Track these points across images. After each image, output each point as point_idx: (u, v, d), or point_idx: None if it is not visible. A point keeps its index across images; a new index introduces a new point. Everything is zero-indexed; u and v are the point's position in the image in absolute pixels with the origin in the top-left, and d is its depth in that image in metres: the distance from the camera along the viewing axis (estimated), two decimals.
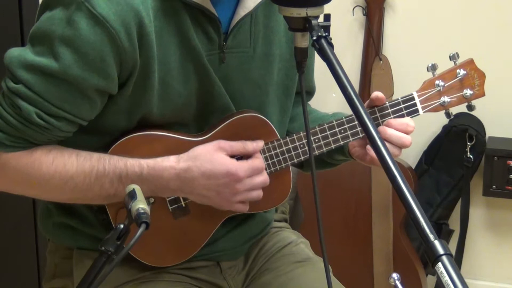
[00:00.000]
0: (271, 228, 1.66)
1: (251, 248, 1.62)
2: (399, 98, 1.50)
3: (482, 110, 2.52)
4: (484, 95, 1.54)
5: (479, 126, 2.66)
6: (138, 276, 1.50)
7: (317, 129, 1.48)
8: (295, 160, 1.49)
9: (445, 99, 1.51)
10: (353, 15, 2.71)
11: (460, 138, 2.65)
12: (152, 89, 1.35)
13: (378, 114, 1.49)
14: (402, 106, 1.50)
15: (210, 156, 1.38)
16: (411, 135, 1.46)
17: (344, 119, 1.48)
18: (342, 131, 1.48)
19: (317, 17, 1.13)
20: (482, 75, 1.53)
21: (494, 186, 2.61)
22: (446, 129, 2.69)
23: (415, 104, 1.50)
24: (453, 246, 2.72)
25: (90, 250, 1.49)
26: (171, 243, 1.48)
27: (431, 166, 2.74)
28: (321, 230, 1.24)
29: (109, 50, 1.27)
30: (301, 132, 1.48)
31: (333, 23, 1.15)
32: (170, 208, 1.46)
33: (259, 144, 1.45)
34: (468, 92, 1.52)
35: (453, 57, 1.52)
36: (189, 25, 1.35)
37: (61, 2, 1.27)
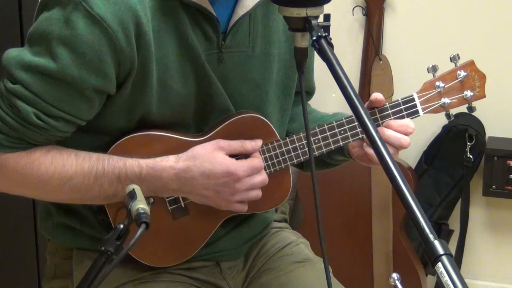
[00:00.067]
0: (271, 228, 1.66)
1: (251, 248, 1.62)
2: (399, 99, 1.50)
3: (482, 110, 2.52)
4: (484, 96, 1.54)
5: (479, 126, 2.66)
6: (138, 276, 1.50)
7: (317, 129, 1.48)
8: (295, 161, 1.49)
9: (446, 100, 1.51)
10: (353, 15, 2.71)
11: (460, 138, 2.65)
12: (150, 88, 1.35)
13: (378, 115, 1.48)
14: (402, 107, 1.49)
15: (209, 156, 1.38)
16: (411, 135, 1.46)
17: (344, 120, 1.48)
18: (342, 132, 1.48)
19: (317, 17, 1.13)
20: (482, 77, 1.53)
21: (494, 186, 2.61)
22: (446, 129, 2.69)
23: (415, 105, 1.50)
24: (453, 246, 2.72)
25: (90, 250, 1.49)
26: (171, 243, 1.48)
27: (431, 166, 2.74)
28: (321, 230, 1.24)
29: (107, 50, 1.27)
30: (301, 133, 1.48)
31: (333, 23, 1.16)
32: (169, 208, 1.46)
33: (258, 143, 1.45)
34: (468, 93, 1.52)
35: (453, 59, 1.52)
36: (187, 25, 1.35)
37: (59, 2, 1.27)
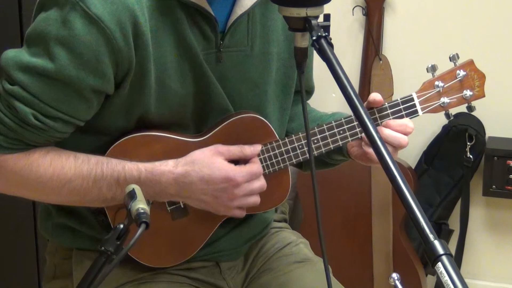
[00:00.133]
0: (270, 228, 1.66)
1: (251, 248, 1.62)
2: (399, 99, 1.50)
3: (482, 110, 2.52)
4: (484, 96, 1.53)
5: (479, 126, 2.66)
6: (137, 277, 1.50)
7: (316, 130, 1.48)
8: (294, 161, 1.49)
9: (445, 100, 1.51)
10: (353, 15, 2.71)
11: (460, 138, 2.65)
12: (149, 88, 1.35)
13: (377, 115, 1.48)
14: (401, 107, 1.49)
15: (208, 161, 1.38)
16: (411, 135, 1.46)
17: (343, 120, 1.48)
18: (341, 132, 1.48)
19: (317, 17, 1.13)
20: (482, 76, 1.53)
21: (494, 186, 2.61)
22: (446, 129, 2.69)
23: (414, 105, 1.50)
24: (453, 246, 2.72)
25: (89, 250, 1.49)
26: (170, 244, 1.48)
27: (431, 166, 2.74)
28: (321, 230, 1.24)
29: (105, 50, 1.27)
30: (300, 133, 1.48)
31: (333, 23, 1.15)
32: (168, 209, 1.46)
33: (257, 148, 1.45)
34: (468, 93, 1.52)
35: (453, 58, 1.52)
36: (185, 24, 1.35)
37: (56, 2, 1.27)
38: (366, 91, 2.64)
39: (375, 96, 1.47)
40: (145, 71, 1.33)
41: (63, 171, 1.35)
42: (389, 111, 1.49)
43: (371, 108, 1.48)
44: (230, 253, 1.57)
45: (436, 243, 0.91)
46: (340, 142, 1.48)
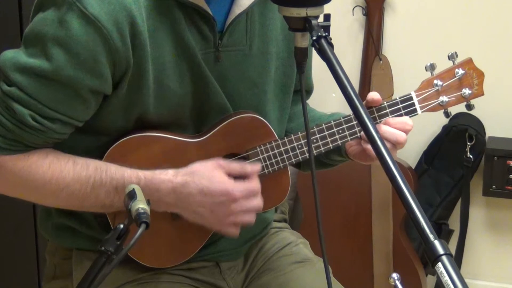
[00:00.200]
0: (270, 228, 1.66)
1: (251, 248, 1.62)
2: (397, 98, 1.50)
3: (482, 110, 2.53)
4: (483, 94, 1.53)
5: (479, 126, 2.66)
6: (137, 277, 1.50)
7: (315, 129, 1.48)
8: (293, 160, 1.48)
9: (444, 98, 1.51)
10: (353, 15, 2.71)
11: (460, 138, 2.64)
12: (147, 88, 1.34)
13: (376, 114, 1.48)
14: (400, 106, 1.49)
15: (208, 173, 1.38)
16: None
17: (342, 120, 1.48)
18: (340, 131, 1.48)
19: (317, 17, 1.13)
20: (480, 74, 1.53)
21: (494, 186, 2.61)
22: (446, 129, 2.69)
23: (413, 104, 1.50)
24: (453, 246, 2.72)
25: (89, 251, 1.49)
26: (170, 244, 1.48)
27: (431, 166, 2.74)
28: (321, 230, 1.24)
29: (102, 50, 1.27)
30: (299, 133, 1.48)
31: (333, 23, 1.16)
32: None
33: (257, 167, 1.44)
34: (466, 91, 1.52)
35: (451, 57, 1.51)
36: (183, 24, 1.35)
37: (53, 3, 1.27)
38: (366, 91, 2.64)
39: (373, 95, 1.47)
40: (143, 71, 1.33)
41: (61, 175, 1.35)
42: (388, 110, 1.49)
43: (370, 107, 1.48)
44: (230, 253, 1.57)
45: (436, 243, 0.91)
46: (339, 142, 1.48)
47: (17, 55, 1.30)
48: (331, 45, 1.09)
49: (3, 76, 1.30)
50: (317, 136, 1.48)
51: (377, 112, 1.48)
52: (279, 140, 1.47)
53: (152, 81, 1.34)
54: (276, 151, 1.47)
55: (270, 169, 1.47)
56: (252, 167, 1.43)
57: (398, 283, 1.05)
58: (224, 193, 1.38)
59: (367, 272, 2.68)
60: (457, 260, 2.71)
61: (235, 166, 1.42)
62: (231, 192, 1.38)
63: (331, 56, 1.07)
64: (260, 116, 1.47)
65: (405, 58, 2.68)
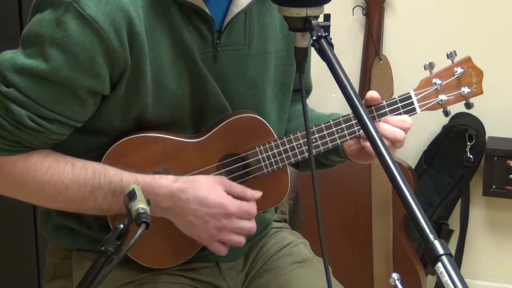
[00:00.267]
0: (270, 228, 1.66)
1: (251, 248, 1.61)
2: (396, 97, 1.50)
3: (482, 110, 2.54)
4: (482, 93, 1.53)
5: (479, 126, 2.66)
6: (137, 277, 1.50)
7: (314, 129, 1.48)
8: (292, 160, 1.48)
9: (443, 97, 1.51)
10: (353, 15, 2.71)
11: (460, 138, 2.64)
12: (145, 88, 1.35)
13: (375, 113, 1.48)
14: (399, 105, 1.49)
15: (208, 185, 1.39)
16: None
17: (341, 119, 1.48)
18: (339, 130, 1.48)
19: (317, 17, 1.13)
20: (479, 73, 1.53)
21: (494, 186, 2.61)
22: (446, 129, 2.69)
23: (412, 103, 1.50)
24: (453, 246, 2.72)
25: (89, 251, 1.49)
26: (170, 244, 1.48)
27: (431, 166, 2.73)
28: (321, 230, 1.24)
29: (99, 51, 1.27)
30: (298, 132, 1.48)
31: (333, 23, 1.15)
32: None
33: (258, 194, 1.45)
34: (465, 90, 1.52)
35: (450, 55, 1.51)
36: (181, 24, 1.35)
37: (51, 4, 1.27)
38: (366, 91, 2.59)
39: (372, 93, 1.47)
40: (141, 71, 1.33)
41: (60, 178, 1.35)
42: (387, 109, 1.49)
43: (369, 106, 1.48)
44: (230, 253, 1.56)
45: (436, 243, 0.91)
46: (339, 141, 1.48)
47: (15, 56, 1.30)
48: (331, 45, 1.09)
49: (1, 77, 1.30)
50: (316, 135, 1.48)
51: (376, 111, 1.48)
52: (278, 140, 1.47)
53: (150, 81, 1.34)
54: (275, 151, 1.47)
55: (269, 168, 1.47)
56: (253, 193, 1.44)
57: (398, 283, 1.05)
58: (219, 205, 1.38)
59: (367, 272, 2.68)
60: (457, 260, 2.71)
61: (237, 187, 1.43)
62: (226, 206, 1.39)
63: (331, 56, 1.07)
64: (260, 116, 1.47)
65: (405, 58, 2.68)
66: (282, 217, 1.74)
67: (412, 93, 1.50)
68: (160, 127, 1.41)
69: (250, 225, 1.43)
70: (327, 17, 1.17)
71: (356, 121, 1.47)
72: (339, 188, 2.64)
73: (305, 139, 1.47)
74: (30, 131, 1.31)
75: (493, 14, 2.64)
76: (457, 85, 1.52)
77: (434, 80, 1.50)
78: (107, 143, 1.39)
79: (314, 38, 1.09)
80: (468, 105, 1.53)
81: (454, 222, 2.75)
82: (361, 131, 1.46)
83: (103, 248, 1.04)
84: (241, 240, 1.43)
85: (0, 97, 1.30)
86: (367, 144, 1.43)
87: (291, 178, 1.53)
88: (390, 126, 1.44)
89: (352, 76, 2.61)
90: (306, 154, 1.48)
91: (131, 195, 1.08)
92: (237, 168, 1.47)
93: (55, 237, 1.54)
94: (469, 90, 1.52)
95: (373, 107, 1.48)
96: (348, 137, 1.48)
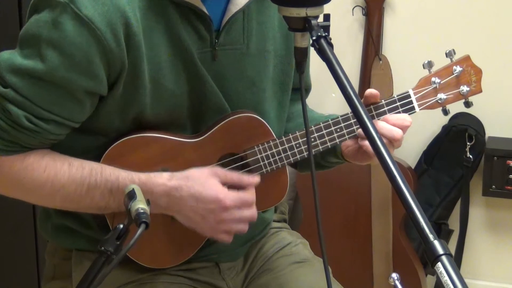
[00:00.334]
0: (270, 228, 1.66)
1: (250, 248, 1.61)
2: (395, 95, 1.50)
3: (482, 110, 2.54)
4: (481, 91, 1.53)
5: (478, 126, 2.66)
6: (137, 278, 1.50)
7: (313, 128, 1.48)
8: (291, 159, 1.48)
9: (442, 96, 1.51)
10: (353, 15, 2.71)
11: (460, 138, 2.64)
12: (143, 88, 1.34)
13: (374, 112, 1.48)
14: (398, 103, 1.49)
15: (203, 180, 1.38)
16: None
17: (340, 118, 1.48)
18: (338, 130, 1.48)
19: (316, 17, 1.13)
20: (478, 72, 1.53)
21: (493, 186, 2.61)
22: (445, 129, 2.69)
23: (411, 102, 1.50)
24: (452, 246, 2.72)
25: (89, 251, 1.49)
26: (169, 244, 1.48)
27: (430, 166, 2.73)
28: (321, 230, 1.24)
29: (96, 51, 1.27)
30: (297, 132, 1.48)
31: (332, 23, 1.15)
32: None
33: (255, 179, 1.44)
34: (464, 88, 1.52)
35: (449, 54, 1.51)
36: (179, 24, 1.35)
37: (48, 4, 1.27)
38: None
39: (371, 91, 1.47)
40: (139, 72, 1.33)
41: (56, 177, 1.35)
42: (386, 108, 1.49)
43: (368, 105, 1.48)
44: (229, 253, 1.57)
45: (436, 243, 0.90)
46: (338, 140, 1.48)
47: (12, 56, 1.30)
48: (330, 45, 1.09)
49: None
50: (315, 135, 1.48)
51: (375, 110, 1.48)
52: (277, 139, 1.47)
53: (148, 81, 1.34)
54: (274, 150, 1.47)
55: (268, 168, 1.47)
56: (249, 178, 1.43)
57: (397, 283, 1.05)
58: (215, 200, 1.38)
59: (367, 272, 2.68)
60: (456, 260, 2.71)
61: (232, 175, 1.42)
62: (222, 200, 1.38)
63: (331, 56, 1.07)
64: (259, 115, 1.47)
65: (405, 58, 2.68)
66: (281, 217, 1.74)
67: (411, 92, 1.50)
68: (159, 127, 1.41)
69: (250, 212, 1.43)
70: (326, 17, 1.17)
71: (354, 120, 1.47)
72: (339, 188, 2.64)
73: (304, 139, 1.47)
74: (27, 132, 1.31)
75: (492, 14, 2.64)
76: (456, 84, 1.51)
77: (433, 79, 1.50)
78: (106, 143, 1.39)
79: (314, 38, 1.09)
80: (467, 104, 1.53)
81: (454, 222, 2.75)
82: (359, 130, 1.46)
83: (102, 248, 1.04)
84: (244, 227, 1.43)
85: None
86: (365, 143, 1.43)
87: (290, 178, 1.53)
88: (388, 124, 1.44)
89: (352, 76, 2.62)
90: (305, 154, 1.48)
91: (131, 195, 1.08)
92: (236, 168, 1.47)
93: (55, 237, 1.54)
94: (468, 88, 1.52)
95: (372, 107, 1.48)
96: (347, 137, 1.48)
